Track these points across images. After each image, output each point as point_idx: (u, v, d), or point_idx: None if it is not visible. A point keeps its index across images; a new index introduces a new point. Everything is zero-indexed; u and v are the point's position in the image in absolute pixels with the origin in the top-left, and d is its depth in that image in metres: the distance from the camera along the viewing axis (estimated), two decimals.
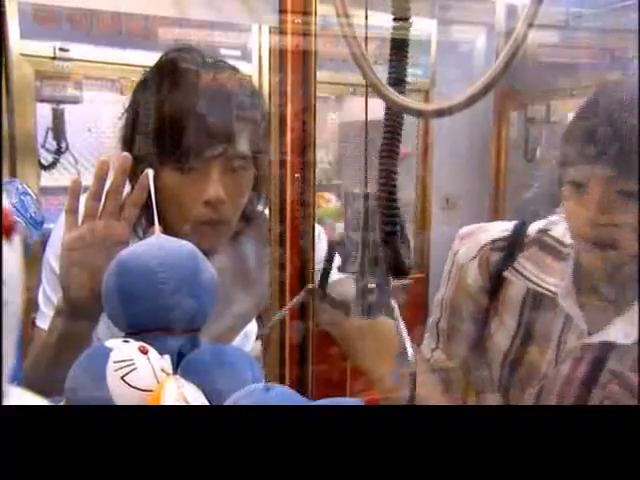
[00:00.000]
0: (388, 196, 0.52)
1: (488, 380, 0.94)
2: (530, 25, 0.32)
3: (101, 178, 0.73)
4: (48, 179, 2.02)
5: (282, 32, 0.62)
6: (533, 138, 2.61)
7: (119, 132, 0.87)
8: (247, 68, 2.02)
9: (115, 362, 0.51)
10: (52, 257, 0.85)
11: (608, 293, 0.82)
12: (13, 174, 1.77)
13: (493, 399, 0.93)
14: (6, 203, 0.33)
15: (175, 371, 0.57)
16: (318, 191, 2.60)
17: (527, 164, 2.61)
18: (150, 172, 0.72)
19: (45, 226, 0.81)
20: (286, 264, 0.65)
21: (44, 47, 1.85)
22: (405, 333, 0.53)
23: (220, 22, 2.04)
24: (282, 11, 0.61)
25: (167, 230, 0.72)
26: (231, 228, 0.89)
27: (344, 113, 2.84)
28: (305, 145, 0.65)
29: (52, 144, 2.01)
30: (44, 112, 1.94)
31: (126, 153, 0.74)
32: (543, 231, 0.90)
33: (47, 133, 1.99)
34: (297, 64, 0.63)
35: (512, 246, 0.90)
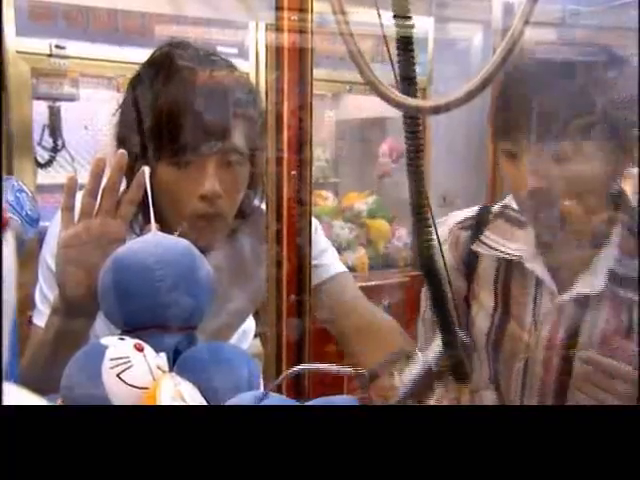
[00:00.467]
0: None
1: (475, 367, 0.96)
2: (526, 22, 0.32)
3: (97, 175, 0.73)
4: (44, 177, 2.01)
5: (279, 29, 0.62)
6: None
7: (114, 129, 0.87)
8: (244, 66, 2.02)
9: (111, 360, 0.51)
10: (48, 255, 0.85)
11: (569, 250, 0.85)
12: (9, 172, 1.76)
13: (485, 392, 0.94)
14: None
15: (171, 369, 0.57)
16: (315, 189, 2.60)
17: None
18: (146, 170, 0.72)
19: (41, 224, 0.81)
20: (283, 262, 0.65)
21: (40, 44, 1.84)
22: None
23: (217, 19, 2.03)
24: (279, 8, 0.61)
25: (164, 226, 0.72)
26: (227, 224, 0.89)
27: (341, 111, 2.84)
28: (302, 142, 0.65)
29: (48, 142, 2.01)
30: (40, 110, 1.94)
31: (122, 150, 0.74)
32: (506, 206, 0.94)
33: (43, 131, 1.98)
34: (294, 61, 0.63)
35: (479, 223, 0.94)
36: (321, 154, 2.79)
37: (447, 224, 0.98)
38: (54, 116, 1.98)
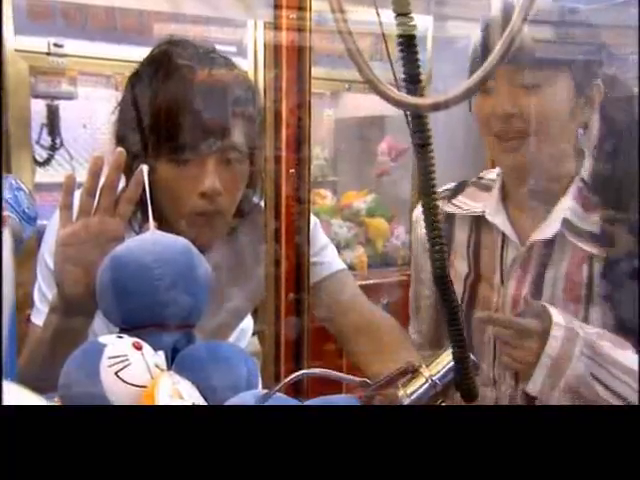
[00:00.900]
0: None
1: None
2: (524, 19, 0.32)
3: (95, 174, 0.72)
4: (43, 175, 2.01)
5: (277, 28, 0.62)
6: None
7: (112, 127, 0.86)
8: (243, 64, 2.01)
9: (109, 358, 0.51)
10: (47, 253, 0.85)
11: (529, 199, 0.91)
12: (7, 170, 1.76)
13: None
14: None
15: (170, 367, 0.57)
16: (314, 188, 2.60)
17: None
18: (145, 168, 0.72)
19: (39, 222, 0.81)
20: (281, 260, 0.65)
21: (38, 43, 1.84)
22: None
23: (215, 17, 2.03)
24: (277, 6, 0.61)
25: (163, 224, 0.72)
26: (227, 222, 0.89)
27: (340, 109, 2.84)
28: (300, 141, 0.65)
29: (47, 140, 2.00)
30: (38, 108, 1.93)
31: (120, 149, 0.74)
32: (480, 177, 1.02)
33: (42, 129, 1.98)
34: (292, 60, 0.63)
35: (454, 192, 1.01)
36: (320, 153, 2.79)
37: None
38: (52, 114, 1.97)
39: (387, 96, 0.43)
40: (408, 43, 0.45)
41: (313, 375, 0.56)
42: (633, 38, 0.79)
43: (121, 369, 0.51)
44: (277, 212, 0.65)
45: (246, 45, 2.09)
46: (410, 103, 0.45)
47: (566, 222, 0.87)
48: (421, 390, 0.58)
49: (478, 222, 0.97)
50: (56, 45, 1.86)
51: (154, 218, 0.67)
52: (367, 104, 2.58)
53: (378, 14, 0.49)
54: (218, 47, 0.90)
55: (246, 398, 0.54)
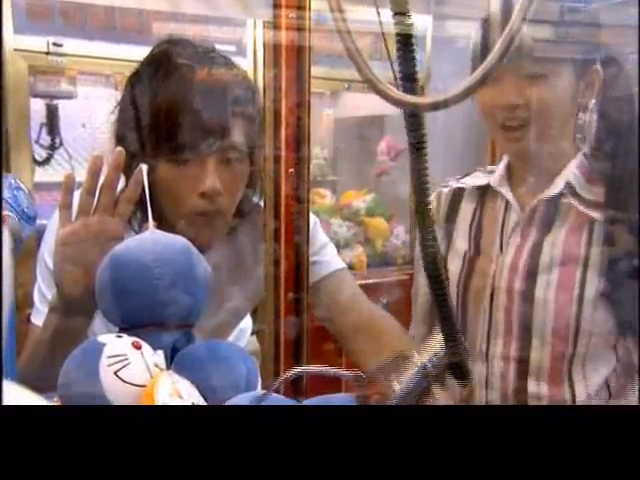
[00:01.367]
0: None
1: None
2: (524, 18, 0.32)
3: (95, 173, 0.72)
4: (42, 175, 2.01)
5: (277, 27, 0.62)
6: None
7: (112, 126, 0.86)
8: (242, 63, 2.01)
9: (108, 357, 0.51)
10: (47, 253, 0.85)
11: (533, 175, 0.94)
12: (7, 169, 1.76)
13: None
14: None
15: (169, 366, 0.57)
16: (313, 187, 2.60)
17: None
18: (144, 167, 0.72)
19: (39, 222, 0.81)
20: (281, 260, 0.65)
21: (38, 42, 1.84)
22: None
23: (215, 17, 2.03)
24: (276, 6, 0.61)
25: (163, 223, 0.71)
26: (227, 222, 0.89)
27: (339, 109, 2.84)
28: (300, 140, 0.65)
29: (46, 140, 2.00)
30: (38, 107, 1.93)
31: (120, 148, 0.74)
32: (489, 170, 1.04)
33: (41, 129, 1.98)
34: (292, 59, 0.63)
35: (462, 176, 1.05)
36: (319, 152, 2.78)
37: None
38: (52, 114, 1.97)
39: (386, 95, 0.43)
40: (405, 42, 0.45)
41: (308, 373, 0.56)
42: (633, 38, 0.80)
43: (120, 368, 0.51)
44: (276, 211, 0.65)
45: (245, 44, 2.09)
46: (409, 102, 0.45)
47: (569, 185, 0.89)
48: (412, 374, 0.58)
49: (484, 195, 1.00)
50: (55, 44, 1.85)
51: (154, 218, 0.67)
52: (367, 104, 2.58)
53: (378, 13, 0.49)
54: (217, 46, 0.90)
55: (244, 399, 0.54)
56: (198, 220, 0.83)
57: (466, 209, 1.02)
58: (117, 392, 0.50)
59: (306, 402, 0.59)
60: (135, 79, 0.86)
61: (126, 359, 0.51)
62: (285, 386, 0.59)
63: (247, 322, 1.06)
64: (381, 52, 0.51)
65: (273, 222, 0.65)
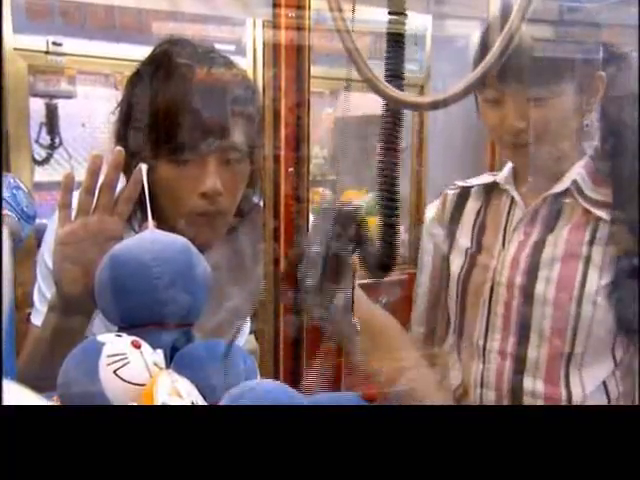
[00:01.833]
0: (389, 190, 0.55)
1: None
2: (523, 17, 0.32)
3: (94, 173, 0.72)
4: (42, 174, 2.01)
5: (276, 26, 0.62)
6: None
7: (112, 126, 0.86)
8: (241, 63, 2.01)
9: (108, 356, 0.51)
10: (47, 253, 0.85)
11: (538, 175, 0.94)
12: (6, 169, 1.76)
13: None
14: None
15: (168, 366, 0.57)
16: (313, 187, 2.59)
17: None
18: (144, 167, 0.72)
19: (38, 221, 0.81)
20: (280, 259, 0.65)
21: (37, 41, 1.83)
22: None
23: (214, 16, 2.03)
24: (276, 5, 0.61)
25: (164, 223, 0.71)
26: (227, 222, 0.89)
27: (339, 108, 2.83)
28: (299, 140, 0.65)
29: (46, 139, 2.00)
30: (37, 107, 1.93)
31: (119, 147, 0.74)
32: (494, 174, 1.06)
33: (40, 128, 1.98)
34: (291, 59, 0.63)
35: (468, 177, 1.07)
36: (319, 151, 2.78)
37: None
38: (51, 113, 1.97)
39: (386, 94, 0.43)
40: (395, 40, 0.45)
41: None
42: (633, 38, 0.80)
43: (120, 367, 0.51)
44: (276, 211, 0.65)
45: (245, 44, 2.08)
46: (409, 101, 0.45)
47: (575, 183, 0.90)
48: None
49: (490, 192, 1.01)
50: (55, 44, 1.85)
51: (154, 218, 0.67)
52: (367, 103, 2.58)
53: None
54: (217, 46, 0.90)
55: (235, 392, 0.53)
56: (198, 220, 0.83)
57: (471, 207, 1.03)
58: (116, 391, 0.50)
59: (309, 400, 0.58)
60: (135, 79, 0.86)
61: (125, 358, 0.51)
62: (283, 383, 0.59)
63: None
64: (380, 52, 0.52)
65: (273, 222, 0.65)
